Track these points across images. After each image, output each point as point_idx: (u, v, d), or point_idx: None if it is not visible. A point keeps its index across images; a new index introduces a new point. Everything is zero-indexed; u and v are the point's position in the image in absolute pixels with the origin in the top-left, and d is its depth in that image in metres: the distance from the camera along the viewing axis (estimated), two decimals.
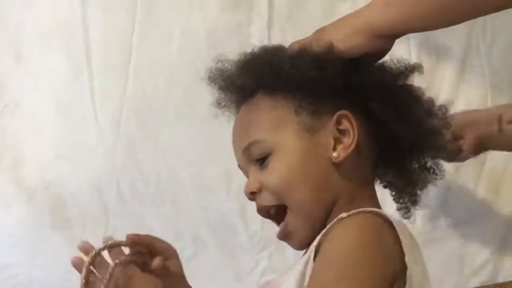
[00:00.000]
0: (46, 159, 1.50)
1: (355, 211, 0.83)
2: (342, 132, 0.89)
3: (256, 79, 0.92)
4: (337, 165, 0.88)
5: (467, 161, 1.27)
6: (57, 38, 1.50)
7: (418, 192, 0.93)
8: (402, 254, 0.79)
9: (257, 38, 1.47)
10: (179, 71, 1.48)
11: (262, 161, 0.89)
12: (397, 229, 0.81)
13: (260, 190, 0.90)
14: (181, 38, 1.49)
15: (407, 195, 0.93)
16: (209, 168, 1.49)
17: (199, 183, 1.49)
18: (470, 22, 1.48)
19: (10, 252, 1.49)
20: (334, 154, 0.87)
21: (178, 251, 0.91)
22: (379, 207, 0.91)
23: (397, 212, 0.94)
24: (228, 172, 1.48)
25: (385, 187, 0.96)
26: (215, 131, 1.48)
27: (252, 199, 0.92)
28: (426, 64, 1.32)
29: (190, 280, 0.92)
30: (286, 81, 0.89)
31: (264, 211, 0.91)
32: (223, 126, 1.48)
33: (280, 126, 0.89)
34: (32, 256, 1.50)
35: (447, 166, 0.98)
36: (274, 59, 0.91)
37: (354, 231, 0.80)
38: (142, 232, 0.88)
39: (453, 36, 1.45)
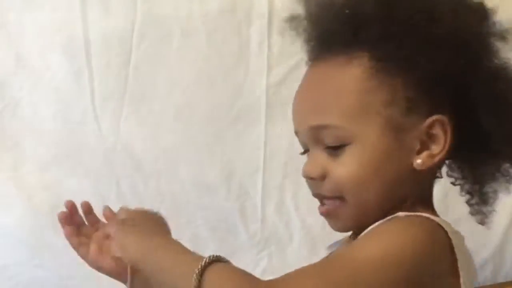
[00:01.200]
0: (46, 159, 1.50)
1: (414, 214, 0.76)
2: (431, 137, 0.78)
3: (366, 30, 0.77)
4: (415, 171, 0.78)
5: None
6: (57, 38, 1.49)
7: (489, 191, 0.84)
8: (455, 273, 0.74)
9: (257, 38, 1.47)
10: (179, 71, 1.49)
11: (334, 148, 0.78)
12: (457, 247, 0.75)
13: (323, 178, 0.79)
14: (181, 38, 1.49)
15: (476, 194, 0.85)
16: (209, 168, 1.49)
17: (199, 183, 1.49)
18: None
19: (10, 252, 1.49)
20: (418, 161, 0.77)
21: None
22: (434, 208, 0.85)
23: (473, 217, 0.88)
24: (228, 172, 1.48)
25: (453, 183, 0.87)
26: (215, 131, 1.49)
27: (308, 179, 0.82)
28: None
29: None
30: (405, 55, 0.76)
31: (321, 198, 0.81)
32: (223, 126, 1.49)
33: (366, 116, 0.77)
34: (32, 256, 1.50)
35: None
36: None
37: (399, 233, 0.73)
38: None
39: None
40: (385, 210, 0.78)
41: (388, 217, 0.76)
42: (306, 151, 0.83)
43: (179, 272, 0.73)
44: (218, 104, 1.49)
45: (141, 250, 0.78)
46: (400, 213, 0.76)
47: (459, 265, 0.74)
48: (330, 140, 0.78)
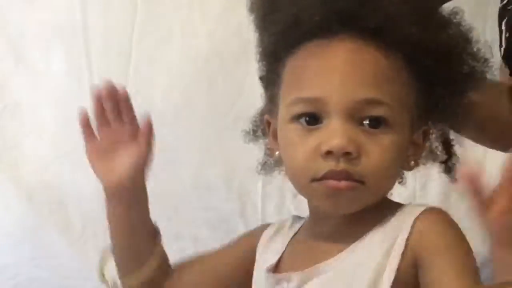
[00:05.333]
0: (46, 159, 1.50)
1: (425, 207, 0.80)
2: (415, 144, 0.84)
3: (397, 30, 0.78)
4: (400, 169, 0.84)
5: (467, 160, 1.25)
6: (57, 38, 1.50)
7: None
8: None
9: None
10: (179, 71, 1.49)
11: (374, 127, 0.76)
12: None
13: (359, 155, 0.75)
14: (181, 38, 1.49)
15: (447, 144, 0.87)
16: (209, 168, 1.49)
17: (199, 183, 1.49)
18: (470, 22, 1.48)
19: (10, 252, 1.49)
20: (412, 163, 0.84)
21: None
22: None
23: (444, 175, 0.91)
24: (228, 172, 1.48)
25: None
26: (215, 131, 1.49)
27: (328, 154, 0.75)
28: None
29: None
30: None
31: (340, 178, 0.76)
32: (223, 126, 1.49)
33: (404, 108, 0.79)
34: (32, 256, 1.50)
35: None
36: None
37: (449, 224, 0.81)
38: None
39: None
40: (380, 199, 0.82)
41: (417, 218, 0.78)
42: (311, 121, 0.78)
43: None
44: (218, 104, 1.49)
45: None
46: (422, 207, 0.80)
47: None
48: (374, 114, 0.76)
